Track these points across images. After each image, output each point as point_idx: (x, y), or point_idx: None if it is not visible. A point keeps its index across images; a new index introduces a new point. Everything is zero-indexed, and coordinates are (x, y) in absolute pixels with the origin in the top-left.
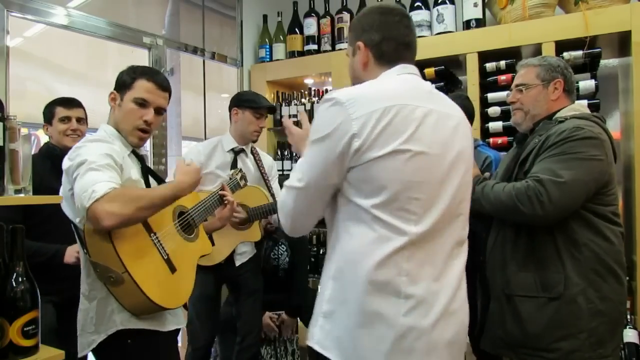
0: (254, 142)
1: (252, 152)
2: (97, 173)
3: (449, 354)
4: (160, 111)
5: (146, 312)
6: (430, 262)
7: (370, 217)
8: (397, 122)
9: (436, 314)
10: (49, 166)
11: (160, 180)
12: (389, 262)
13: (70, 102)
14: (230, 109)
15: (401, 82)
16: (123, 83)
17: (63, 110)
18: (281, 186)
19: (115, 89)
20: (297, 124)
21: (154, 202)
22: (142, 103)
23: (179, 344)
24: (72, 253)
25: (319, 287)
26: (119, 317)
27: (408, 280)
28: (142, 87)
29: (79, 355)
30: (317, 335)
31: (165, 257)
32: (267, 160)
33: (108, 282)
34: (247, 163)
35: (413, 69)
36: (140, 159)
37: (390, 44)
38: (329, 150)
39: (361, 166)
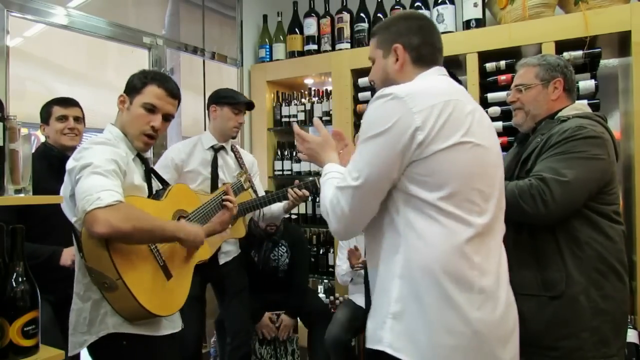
0: (233, 138)
1: (232, 150)
2: (103, 178)
3: (514, 345)
4: (168, 118)
5: (139, 318)
6: (491, 254)
7: (436, 211)
8: (456, 115)
9: (502, 306)
10: (45, 166)
11: (163, 182)
12: (461, 256)
13: (67, 102)
14: (208, 107)
15: (445, 81)
16: (133, 87)
17: (60, 109)
18: (264, 184)
19: (125, 92)
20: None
21: (153, 229)
22: (150, 108)
23: None
24: (69, 256)
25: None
26: (112, 321)
27: (479, 273)
28: (152, 93)
29: (70, 354)
30: (387, 338)
31: (162, 264)
32: (248, 157)
33: (102, 287)
34: (227, 160)
35: (446, 72)
36: (145, 162)
37: (428, 48)
38: (390, 145)
39: (424, 159)
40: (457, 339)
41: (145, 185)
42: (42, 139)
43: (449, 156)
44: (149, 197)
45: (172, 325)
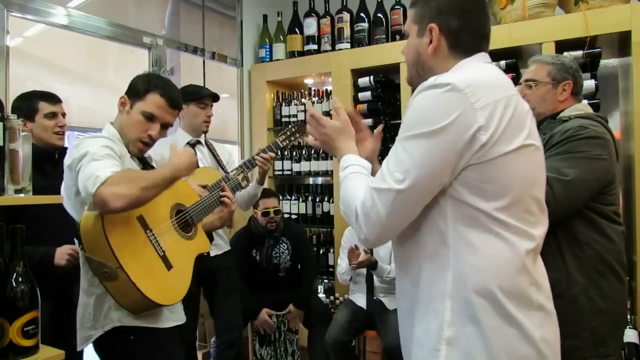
0: (205, 132)
1: (206, 144)
2: (99, 162)
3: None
4: (166, 126)
5: (141, 309)
6: (541, 265)
7: (494, 222)
8: (519, 113)
9: (554, 320)
10: None
11: None
12: (521, 272)
13: (54, 97)
14: None
15: (499, 72)
16: (136, 91)
17: (48, 105)
18: (238, 168)
19: (127, 93)
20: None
21: (155, 182)
22: (149, 117)
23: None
24: (63, 255)
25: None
26: (116, 314)
27: (536, 289)
28: (153, 102)
29: (78, 348)
30: None
31: (161, 254)
32: (224, 150)
33: (103, 277)
34: (205, 153)
35: (490, 59)
36: (143, 161)
37: (469, 34)
38: (447, 145)
39: (484, 164)
40: None
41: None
42: None
43: (512, 161)
44: None
45: (176, 317)
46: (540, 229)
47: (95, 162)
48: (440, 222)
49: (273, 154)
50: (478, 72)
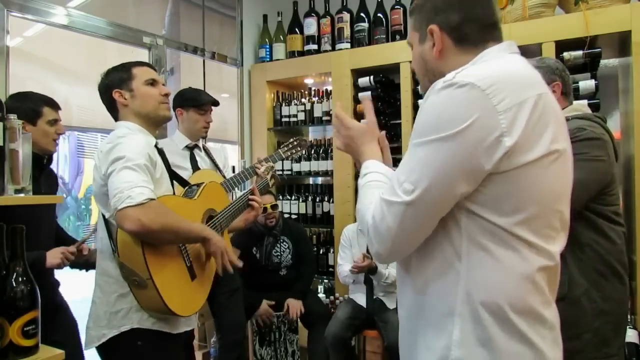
0: (204, 137)
1: (203, 148)
2: (134, 174)
3: None
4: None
5: (160, 313)
6: (554, 282)
7: (511, 237)
8: (546, 114)
9: (560, 337)
10: None
11: (175, 176)
12: (532, 290)
13: (56, 103)
14: (174, 109)
15: (525, 63)
16: (120, 78)
17: (52, 112)
18: (238, 175)
19: (115, 88)
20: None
21: (179, 231)
22: (152, 82)
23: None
24: (56, 254)
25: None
26: (137, 316)
27: (547, 307)
28: (143, 71)
29: (86, 348)
30: None
31: (188, 265)
32: (220, 153)
33: (132, 284)
34: (202, 157)
35: (517, 49)
36: (161, 152)
37: (473, 25)
38: (464, 151)
39: (508, 173)
40: None
41: (167, 173)
42: None
43: (532, 172)
44: (172, 181)
45: (188, 323)
46: (556, 246)
47: (130, 173)
48: (454, 234)
49: (272, 164)
50: (503, 65)
